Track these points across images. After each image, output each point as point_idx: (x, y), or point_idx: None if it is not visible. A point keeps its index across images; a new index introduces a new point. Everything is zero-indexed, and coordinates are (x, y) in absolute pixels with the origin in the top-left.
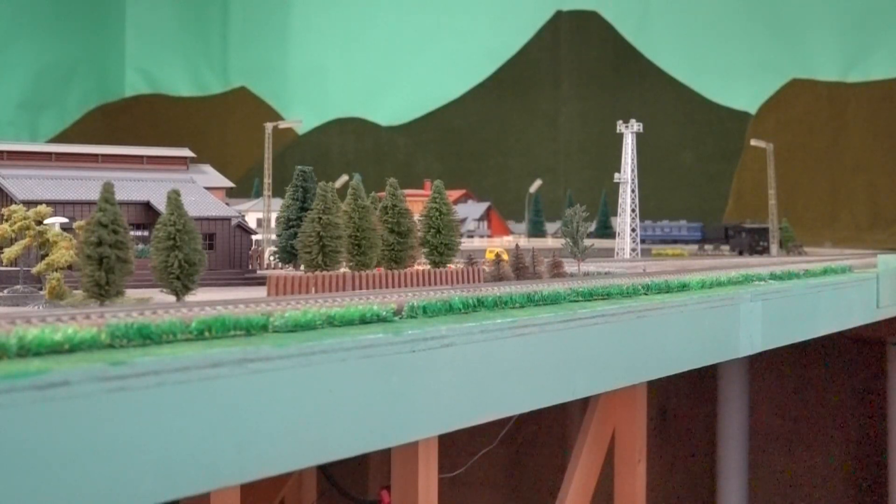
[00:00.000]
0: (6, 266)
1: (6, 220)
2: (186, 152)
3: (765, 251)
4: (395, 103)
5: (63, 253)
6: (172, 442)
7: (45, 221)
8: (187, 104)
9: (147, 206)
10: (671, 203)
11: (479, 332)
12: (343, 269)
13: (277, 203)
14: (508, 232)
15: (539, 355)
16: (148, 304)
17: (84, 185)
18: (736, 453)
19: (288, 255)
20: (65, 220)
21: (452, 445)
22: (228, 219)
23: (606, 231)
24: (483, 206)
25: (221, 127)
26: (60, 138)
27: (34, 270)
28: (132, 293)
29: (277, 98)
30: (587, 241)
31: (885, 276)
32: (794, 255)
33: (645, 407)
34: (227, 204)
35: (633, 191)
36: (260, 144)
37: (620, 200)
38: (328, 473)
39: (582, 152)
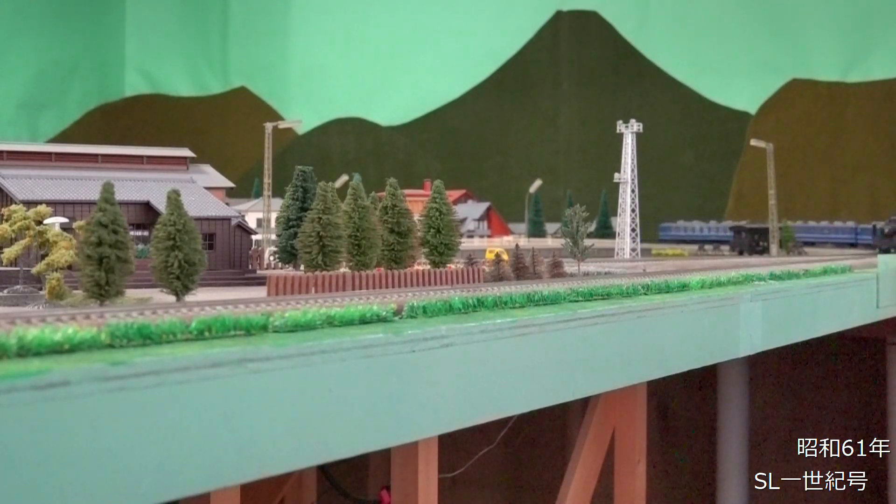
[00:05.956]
0: (6, 266)
1: (6, 220)
2: (186, 152)
3: (764, 251)
4: (395, 103)
5: (63, 253)
6: (172, 442)
7: (45, 221)
8: (187, 104)
9: (147, 206)
10: (671, 203)
11: (479, 332)
12: (343, 269)
13: (277, 203)
14: (508, 232)
15: (539, 355)
16: (148, 304)
17: (84, 185)
18: (736, 453)
19: (288, 255)
20: (65, 220)
21: (452, 445)
22: (228, 219)
23: (606, 231)
24: (483, 206)
25: (221, 127)
26: (60, 138)
27: (34, 270)
28: (132, 293)
29: (277, 98)
30: (587, 241)
31: (885, 276)
32: (793, 254)
33: (645, 407)
34: (227, 204)
35: (633, 191)
36: (260, 144)
37: (620, 200)
38: (328, 473)
39: (582, 152)
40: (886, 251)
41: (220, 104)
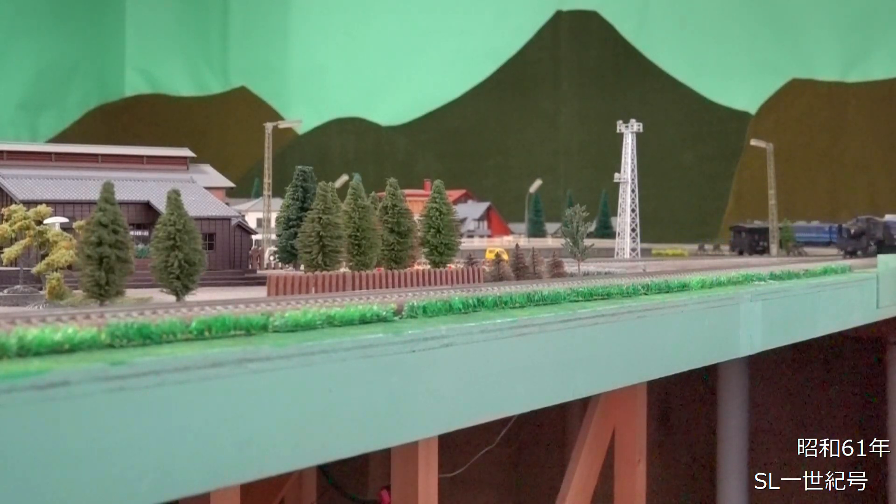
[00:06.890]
0: (6, 266)
1: (6, 220)
2: (186, 152)
3: (764, 251)
4: (395, 103)
5: (63, 253)
6: (172, 442)
7: (45, 221)
8: (187, 104)
9: (147, 206)
10: (671, 203)
11: (479, 332)
12: (343, 269)
13: (277, 203)
14: (508, 232)
15: (539, 355)
16: (148, 304)
17: (84, 185)
18: (736, 453)
19: (288, 255)
20: (65, 220)
21: (452, 445)
22: (228, 219)
23: (606, 231)
24: (483, 206)
25: (221, 127)
26: (60, 138)
27: (34, 270)
28: (132, 293)
29: (277, 98)
30: (587, 241)
31: (885, 276)
32: (793, 254)
33: (645, 407)
34: (227, 204)
35: (633, 191)
36: (260, 144)
37: (620, 200)
38: (328, 473)
39: (582, 152)
40: (853, 253)
41: (220, 104)
